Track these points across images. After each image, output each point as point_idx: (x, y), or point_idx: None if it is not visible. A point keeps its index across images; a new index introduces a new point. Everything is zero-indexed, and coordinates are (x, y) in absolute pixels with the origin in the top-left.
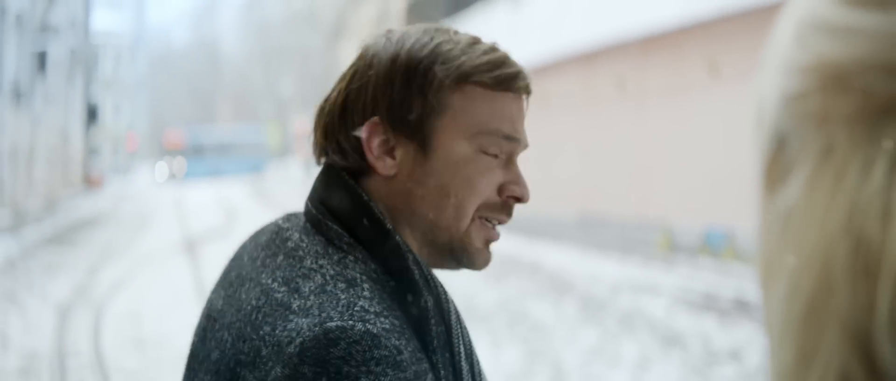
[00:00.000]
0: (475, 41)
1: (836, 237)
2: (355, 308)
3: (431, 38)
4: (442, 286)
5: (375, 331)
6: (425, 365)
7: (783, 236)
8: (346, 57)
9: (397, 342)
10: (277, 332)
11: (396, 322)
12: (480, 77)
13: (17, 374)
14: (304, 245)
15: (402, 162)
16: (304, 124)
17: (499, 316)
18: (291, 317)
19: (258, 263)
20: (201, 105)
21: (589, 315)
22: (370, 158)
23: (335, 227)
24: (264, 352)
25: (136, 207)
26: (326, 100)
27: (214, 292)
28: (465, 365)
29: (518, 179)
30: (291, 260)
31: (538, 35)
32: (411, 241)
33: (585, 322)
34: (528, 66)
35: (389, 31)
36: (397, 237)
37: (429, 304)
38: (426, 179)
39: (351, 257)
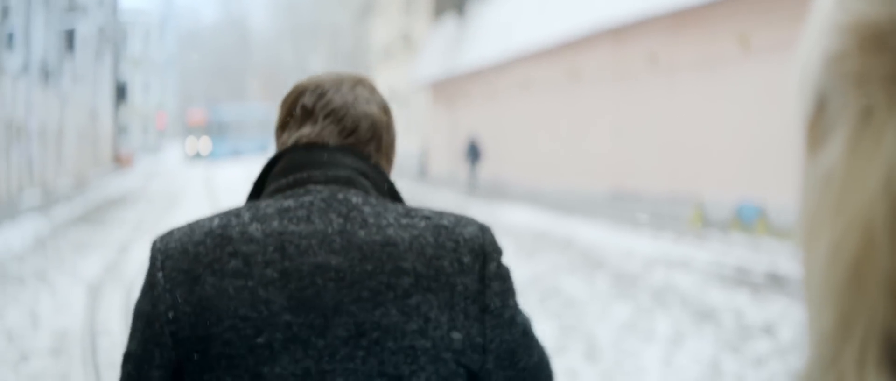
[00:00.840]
0: None
1: (877, 198)
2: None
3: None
4: None
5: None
6: None
7: (824, 197)
8: (375, 34)
9: None
10: (462, 241)
11: None
12: None
13: (48, 353)
14: (371, 199)
15: None
16: None
17: (531, 292)
18: (458, 229)
19: (338, 219)
20: (230, 83)
21: (621, 291)
22: (393, 159)
23: (368, 184)
24: (467, 260)
25: (166, 185)
26: (383, 115)
27: (291, 258)
28: None
29: None
30: (385, 207)
31: (569, 10)
32: None
33: (618, 298)
34: (558, 40)
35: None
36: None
37: None
38: None
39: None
